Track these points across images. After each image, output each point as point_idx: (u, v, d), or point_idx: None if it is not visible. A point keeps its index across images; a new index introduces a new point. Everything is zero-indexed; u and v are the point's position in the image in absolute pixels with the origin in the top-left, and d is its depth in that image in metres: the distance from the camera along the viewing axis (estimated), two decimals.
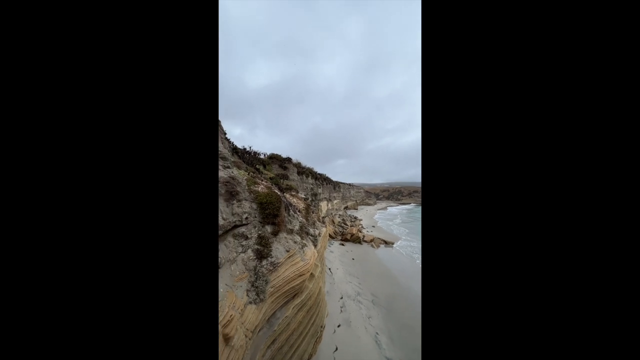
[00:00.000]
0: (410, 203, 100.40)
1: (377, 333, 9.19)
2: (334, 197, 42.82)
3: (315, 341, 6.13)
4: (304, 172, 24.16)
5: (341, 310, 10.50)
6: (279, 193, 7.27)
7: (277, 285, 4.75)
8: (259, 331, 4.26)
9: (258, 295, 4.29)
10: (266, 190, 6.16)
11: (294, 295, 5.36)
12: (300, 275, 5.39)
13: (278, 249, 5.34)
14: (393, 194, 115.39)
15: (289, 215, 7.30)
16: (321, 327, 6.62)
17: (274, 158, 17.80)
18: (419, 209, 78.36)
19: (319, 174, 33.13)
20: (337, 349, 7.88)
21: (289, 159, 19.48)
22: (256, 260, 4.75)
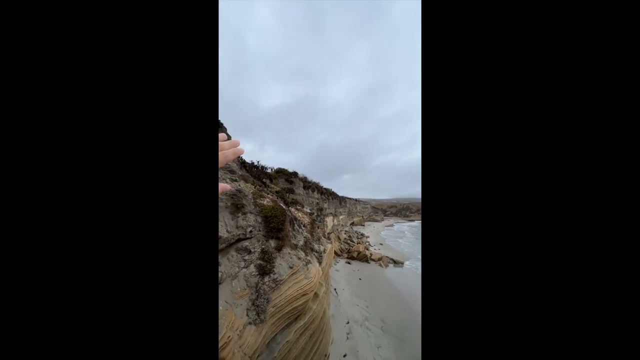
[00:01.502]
0: (419, 220, 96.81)
1: None
2: (340, 212, 42.11)
3: None
4: (310, 186, 24.24)
5: (347, 337, 9.64)
6: (284, 207, 7.23)
7: (278, 305, 4.48)
8: (257, 357, 3.93)
9: (258, 316, 4.04)
10: (271, 204, 6.14)
11: (297, 317, 5.01)
12: (304, 295, 5.08)
13: (281, 265, 5.14)
14: (401, 210, 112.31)
15: (294, 229, 7.15)
16: (326, 356, 6.04)
17: (280, 172, 18.09)
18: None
19: (324, 188, 33.09)
20: None
21: (295, 174, 19.71)
22: (258, 277, 4.57)
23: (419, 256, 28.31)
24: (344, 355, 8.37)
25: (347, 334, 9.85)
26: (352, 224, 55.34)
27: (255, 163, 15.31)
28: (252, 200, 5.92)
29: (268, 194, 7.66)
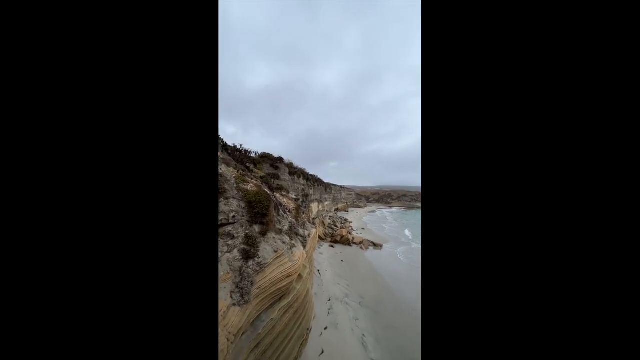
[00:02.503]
0: (399, 207, 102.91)
1: (363, 335, 9.21)
2: (325, 198, 42.92)
3: (301, 344, 6.01)
4: (296, 172, 24.03)
5: (329, 313, 10.43)
6: (269, 192, 7.13)
7: (263, 287, 4.61)
8: (242, 335, 4.10)
9: (242, 297, 4.13)
10: (255, 189, 6.01)
11: (281, 297, 5.23)
12: (288, 277, 5.27)
13: (266, 249, 5.20)
14: (383, 197, 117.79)
15: (279, 215, 7.17)
16: (308, 329, 6.51)
17: (265, 157, 17.54)
18: (407, 212, 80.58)
19: (310, 175, 33.10)
20: (323, 351, 7.79)
21: (280, 159, 19.27)
22: (242, 261, 4.59)
23: (401, 239, 30.52)
24: (325, 328, 9.12)
25: (329, 309, 10.64)
26: (337, 209, 57.05)
27: (239, 147, 14.54)
28: (235, 185, 5.72)
29: (252, 179, 7.45)
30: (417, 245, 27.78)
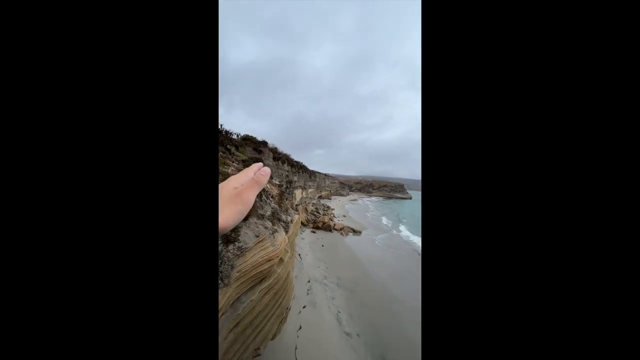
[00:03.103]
0: (379, 196, 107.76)
1: (338, 311, 9.99)
2: (309, 185, 43.08)
3: (280, 322, 6.33)
4: (280, 158, 23.46)
5: (307, 293, 11.00)
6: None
7: (243, 270, 4.64)
8: (222, 315, 4.16)
9: (222, 280, 4.13)
10: (237, 173, 5.77)
11: (262, 280, 5.34)
12: (269, 260, 5.36)
13: (247, 234, 5.16)
14: (365, 186, 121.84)
15: (261, 200, 7.06)
16: (287, 308, 6.84)
17: (248, 140, 16.68)
18: (386, 201, 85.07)
19: (295, 161, 32.61)
20: (301, 327, 8.32)
21: (264, 143, 18.51)
22: (222, 245, 4.52)
23: (381, 227, 32.35)
24: (304, 307, 9.67)
25: (308, 290, 11.22)
26: (320, 197, 57.91)
27: (219, 127, 13.57)
28: None
29: (233, 162, 7.10)
30: (396, 233, 29.86)
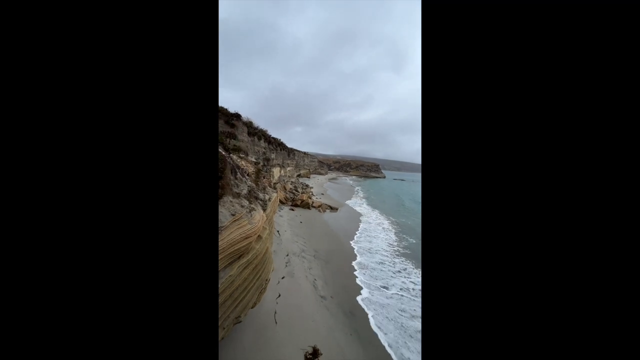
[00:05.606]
0: (356, 175, 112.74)
1: (315, 279, 10.96)
2: (288, 164, 42.26)
3: (260, 292, 6.71)
4: (257, 133, 22.00)
5: (286, 265, 11.66)
6: (223, 153, 6.43)
7: (221, 248, 4.60)
8: None
9: None
10: None
11: (240, 256, 5.42)
12: (247, 238, 5.38)
13: (222, 212, 4.99)
14: (343, 165, 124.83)
15: (236, 178, 6.74)
16: (266, 280, 7.21)
17: (218, 112, 15.01)
18: (364, 181, 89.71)
19: (273, 137, 31.03)
20: (279, 295, 8.99)
21: (237, 115, 16.92)
22: None
23: (358, 204, 34.25)
24: (282, 277, 10.33)
25: (286, 263, 11.87)
26: (299, 175, 57.77)
27: None
28: None
29: None
30: (370, 208, 32.16)
